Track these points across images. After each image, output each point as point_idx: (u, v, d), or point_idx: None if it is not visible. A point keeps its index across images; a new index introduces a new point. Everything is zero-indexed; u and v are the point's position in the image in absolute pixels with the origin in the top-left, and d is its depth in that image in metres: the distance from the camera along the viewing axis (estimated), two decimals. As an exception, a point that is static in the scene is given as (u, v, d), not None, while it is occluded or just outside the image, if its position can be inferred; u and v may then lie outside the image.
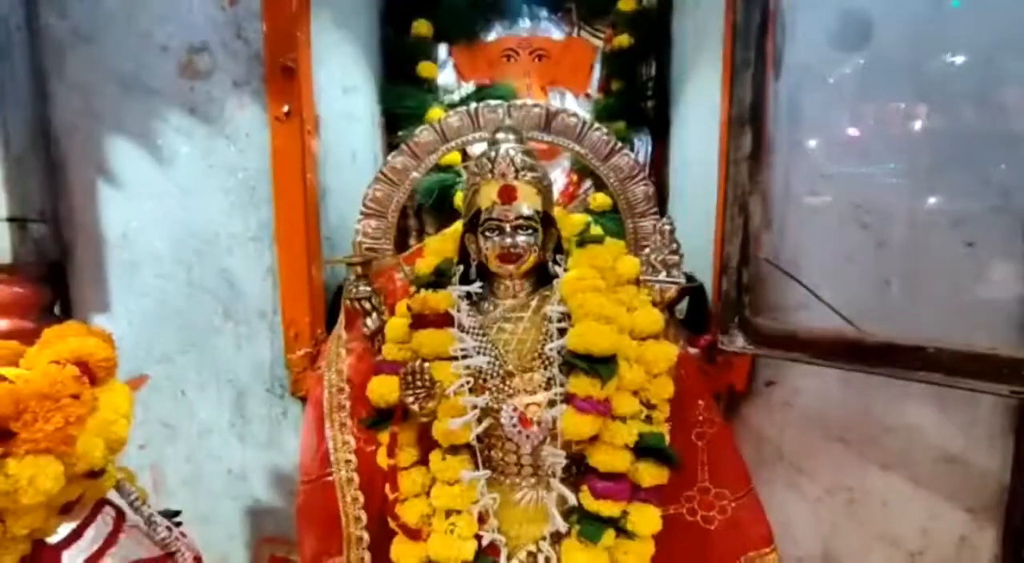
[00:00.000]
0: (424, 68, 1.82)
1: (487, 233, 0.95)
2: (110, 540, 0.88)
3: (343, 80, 1.52)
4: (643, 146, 1.84)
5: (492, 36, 1.91)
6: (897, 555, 1.34)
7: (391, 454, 0.92)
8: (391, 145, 1.83)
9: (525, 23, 1.91)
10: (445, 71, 1.90)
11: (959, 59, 1.12)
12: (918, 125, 1.18)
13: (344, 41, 1.53)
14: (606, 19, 1.90)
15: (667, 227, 0.99)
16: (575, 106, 1.86)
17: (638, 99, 1.85)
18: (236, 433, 1.40)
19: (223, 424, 1.39)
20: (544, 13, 1.93)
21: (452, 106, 1.79)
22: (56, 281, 1.34)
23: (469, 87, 1.86)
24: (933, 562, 1.33)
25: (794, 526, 1.34)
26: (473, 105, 1.17)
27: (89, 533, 0.86)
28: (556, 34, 1.92)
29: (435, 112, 1.75)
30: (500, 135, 0.97)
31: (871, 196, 1.21)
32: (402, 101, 1.80)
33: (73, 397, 0.77)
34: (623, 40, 1.82)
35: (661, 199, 1.79)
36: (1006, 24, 1.08)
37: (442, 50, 1.90)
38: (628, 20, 1.83)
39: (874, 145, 1.21)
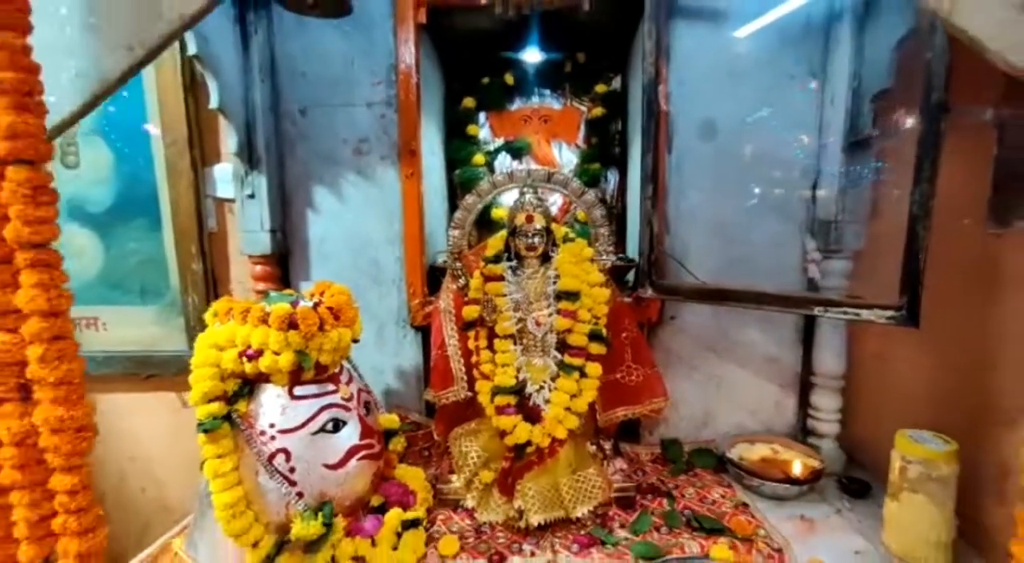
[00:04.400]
0: (471, 129, 2.52)
1: (519, 237, 1.58)
2: (351, 377, 1.63)
3: (430, 145, 2.20)
4: (613, 178, 2.53)
5: (515, 106, 2.56)
6: (743, 413, 2.06)
7: (476, 339, 1.71)
8: (450, 180, 2.54)
9: (536, 99, 2.58)
10: (484, 130, 2.59)
11: (732, 143, 1.92)
12: (745, 178, 1.97)
13: (429, 122, 2.22)
14: (588, 96, 2.57)
15: (605, 232, 1.90)
16: (568, 152, 2.57)
17: (609, 148, 2.52)
18: (378, 347, 2.00)
19: (370, 342, 1.97)
20: (548, 92, 2.59)
21: (488, 153, 2.53)
22: (283, 265, 1.97)
23: (500, 141, 2.57)
24: (763, 417, 2.06)
25: (686, 399, 2.03)
26: (510, 168, 1.80)
27: (343, 373, 1.50)
28: (556, 105, 2.56)
29: (478, 157, 2.47)
30: (526, 189, 1.62)
31: (724, 215, 1.97)
32: (458, 152, 2.50)
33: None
34: (598, 111, 2.50)
35: (624, 213, 2.54)
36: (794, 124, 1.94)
37: (482, 117, 2.60)
38: (602, 98, 2.52)
39: (724, 189, 1.97)
